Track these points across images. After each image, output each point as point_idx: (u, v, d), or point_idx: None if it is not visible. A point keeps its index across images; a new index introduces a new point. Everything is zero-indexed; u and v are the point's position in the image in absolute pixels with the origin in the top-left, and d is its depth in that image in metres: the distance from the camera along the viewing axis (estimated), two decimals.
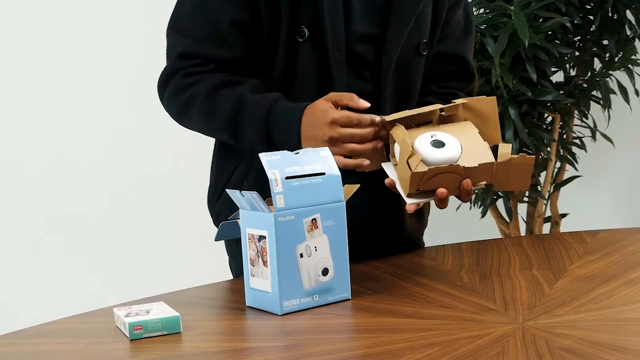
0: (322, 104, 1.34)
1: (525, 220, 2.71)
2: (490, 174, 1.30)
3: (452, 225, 2.77)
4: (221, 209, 1.51)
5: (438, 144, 1.29)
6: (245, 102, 1.39)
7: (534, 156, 1.33)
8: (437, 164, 1.27)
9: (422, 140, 1.30)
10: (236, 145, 1.44)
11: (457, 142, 1.30)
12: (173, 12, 1.48)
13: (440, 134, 1.31)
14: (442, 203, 1.29)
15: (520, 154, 1.31)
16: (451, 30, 1.55)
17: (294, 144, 1.34)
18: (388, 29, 1.45)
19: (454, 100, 1.36)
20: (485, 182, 1.31)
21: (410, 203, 1.28)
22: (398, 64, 1.46)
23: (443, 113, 1.36)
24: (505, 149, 1.31)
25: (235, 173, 1.50)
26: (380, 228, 1.54)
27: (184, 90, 1.43)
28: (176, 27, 1.46)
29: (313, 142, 1.33)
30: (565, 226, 2.71)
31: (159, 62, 1.52)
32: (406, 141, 1.27)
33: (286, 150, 1.22)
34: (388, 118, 1.32)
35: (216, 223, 1.55)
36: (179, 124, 1.50)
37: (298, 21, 1.40)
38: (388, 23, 1.45)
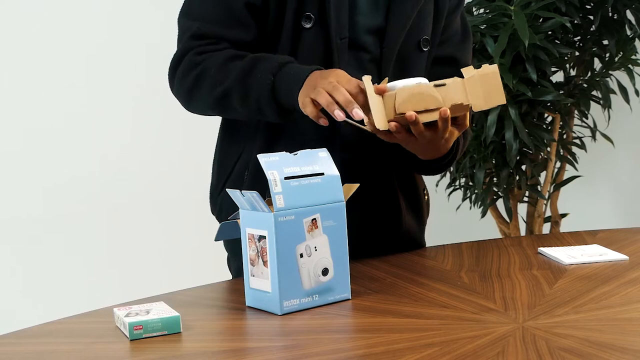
0: (341, 71, 1.32)
1: (525, 220, 2.71)
2: (462, 92, 1.30)
3: (452, 225, 2.78)
4: (224, 201, 1.51)
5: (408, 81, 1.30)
6: (259, 57, 1.38)
7: (496, 64, 1.33)
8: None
9: (394, 83, 1.31)
10: (242, 110, 1.41)
11: (425, 79, 1.32)
12: (185, 1, 1.48)
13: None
14: (416, 127, 1.28)
15: (482, 65, 1.32)
16: (450, 35, 1.58)
17: (295, 96, 1.32)
18: (390, 22, 1.46)
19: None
20: (462, 103, 1.30)
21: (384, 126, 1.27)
22: (399, 58, 1.48)
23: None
24: (469, 72, 1.31)
25: (237, 164, 1.50)
26: (378, 225, 1.54)
27: (195, 67, 1.41)
28: (188, 13, 1.46)
29: (309, 87, 1.30)
30: (565, 226, 2.71)
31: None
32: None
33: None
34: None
35: (219, 215, 1.55)
36: (187, 106, 1.47)
37: (303, 8, 1.41)
38: (391, 16, 1.46)
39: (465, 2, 2.54)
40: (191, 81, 1.42)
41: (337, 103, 1.25)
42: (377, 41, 1.47)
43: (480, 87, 1.31)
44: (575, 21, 2.46)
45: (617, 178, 3.20)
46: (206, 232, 1.66)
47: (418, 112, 1.27)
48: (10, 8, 2.78)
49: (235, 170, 1.51)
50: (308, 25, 1.41)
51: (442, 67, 1.57)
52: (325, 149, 1.25)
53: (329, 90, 1.25)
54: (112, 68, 2.89)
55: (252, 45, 1.44)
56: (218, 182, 1.55)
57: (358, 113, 1.24)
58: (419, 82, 1.29)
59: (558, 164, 2.67)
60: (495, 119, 2.38)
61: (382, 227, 1.55)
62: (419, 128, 1.28)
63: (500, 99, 1.32)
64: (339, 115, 1.24)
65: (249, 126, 1.49)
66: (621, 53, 2.54)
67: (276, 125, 1.45)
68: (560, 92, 2.47)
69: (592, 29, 2.56)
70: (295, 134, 1.45)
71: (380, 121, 1.27)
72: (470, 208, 2.75)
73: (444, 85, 1.29)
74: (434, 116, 1.28)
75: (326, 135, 1.43)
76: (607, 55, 2.56)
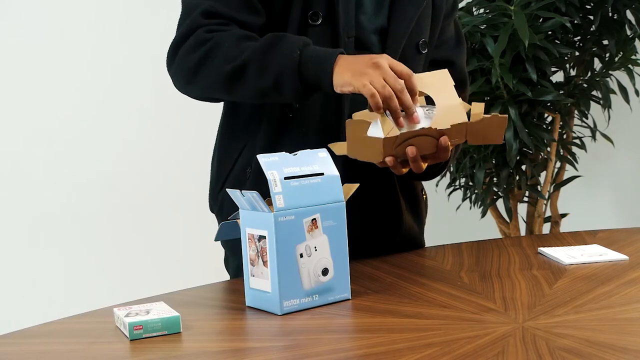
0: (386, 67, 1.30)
1: (525, 220, 2.71)
2: (464, 133, 1.32)
3: (452, 225, 2.77)
4: (225, 198, 1.50)
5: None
6: (280, 35, 1.35)
7: (506, 115, 1.34)
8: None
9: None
10: (255, 87, 1.35)
11: (430, 108, 1.31)
12: None
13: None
14: (415, 163, 1.30)
15: (493, 114, 1.33)
16: (445, 39, 1.59)
17: (327, 71, 1.29)
18: (393, 23, 1.47)
19: None
20: (457, 140, 1.33)
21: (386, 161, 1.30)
22: (399, 60, 1.47)
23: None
24: (478, 109, 1.32)
25: (238, 160, 1.49)
26: (378, 225, 1.54)
27: (205, 43, 1.36)
28: None
29: (347, 70, 1.28)
30: (565, 226, 2.71)
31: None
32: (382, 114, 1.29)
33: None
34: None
35: (219, 213, 1.54)
36: (187, 85, 1.41)
37: (310, 5, 1.41)
38: (393, 17, 1.47)
39: (466, 2, 2.54)
40: (200, 56, 1.36)
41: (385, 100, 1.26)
42: (379, 41, 1.48)
43: (481, 129, 1.32)
44: (575, 21, 2.46)
45: (617, 178, 3.20)
46: (206, 232, 1.66)
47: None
48: (23, 11, 2.78)
49: (236, 167, 1.50)
50: (315, 23, 1.41)
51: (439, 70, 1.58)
52: (325, 149, 1.25)
53: (397, 91, 1.26)
54: (112, 69, 2.89)
55: (259, 34, 1.41)
56: (218, 179, 1.54)
57: (417, 117, 1.28)
58: (423, 125, 1.28)
59: (558, 164, 2.67)
60: None
61: (383, 227, 1.55)
62: (418, 165, 1.31)
63: (498, 140, 1.34)
64: (403, 123, 1.27)
65: (251, 120, 1.48)
66: (621, 53, 2.54)
67: (280, 123, 1.44)
68: (560, 92, 2.47)
69: (592, 29, 2.56)
70: (300, 133, 1.44)
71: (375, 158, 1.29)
72: (470, 208, 2.74)
73: (448, 129, 1.29)
74: (432, 150, 1.31)
75: (331, 136, 1.42)
76: (607, 55, 2.56)
